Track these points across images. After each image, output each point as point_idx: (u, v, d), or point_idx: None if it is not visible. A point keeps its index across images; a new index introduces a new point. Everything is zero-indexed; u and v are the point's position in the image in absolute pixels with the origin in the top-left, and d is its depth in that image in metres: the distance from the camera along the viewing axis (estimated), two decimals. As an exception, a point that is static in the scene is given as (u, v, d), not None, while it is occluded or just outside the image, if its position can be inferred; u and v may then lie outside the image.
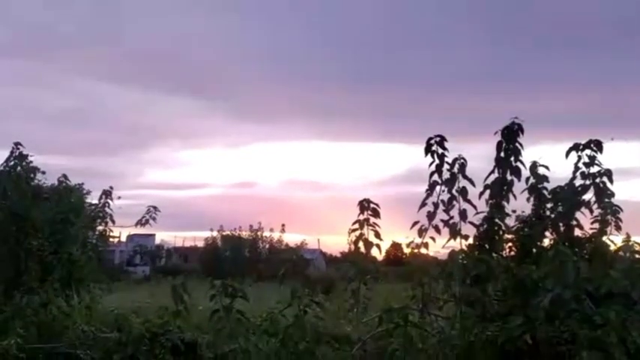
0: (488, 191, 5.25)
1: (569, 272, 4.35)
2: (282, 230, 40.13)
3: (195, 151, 71.07)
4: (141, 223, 8.87)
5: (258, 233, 41.01)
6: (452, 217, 5.27)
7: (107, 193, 8.78)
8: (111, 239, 9.30)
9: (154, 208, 8.88)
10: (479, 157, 6.05)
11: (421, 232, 5.37)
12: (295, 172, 78.71)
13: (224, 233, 41.27)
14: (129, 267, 41.80)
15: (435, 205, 5.32)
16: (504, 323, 4.74)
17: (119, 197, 8.86)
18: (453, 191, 5.26)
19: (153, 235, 48.55)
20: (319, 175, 78.99)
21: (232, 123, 63.61)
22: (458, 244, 5.20)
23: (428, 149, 5.37)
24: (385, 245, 5.58)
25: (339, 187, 62.55)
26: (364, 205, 5.51)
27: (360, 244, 5.51)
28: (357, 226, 5.52)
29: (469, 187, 5.26)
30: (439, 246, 5.43)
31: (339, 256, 38.74)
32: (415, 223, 5.37)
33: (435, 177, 5.33)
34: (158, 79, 59.08)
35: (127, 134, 62.76)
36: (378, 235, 5.50)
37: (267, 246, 40.86)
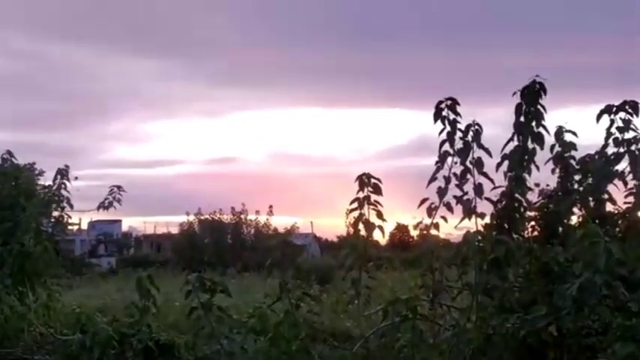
0: (506, 162, 5.29)
1: (600, 254, 4.40)
2: (270, 213, 40.30)
3: (166, 121, 70.88)
4: (103, 206, 8.86)
5: (242, 217, 41.11)
6: (466, 193, 5.32)
7: (63, 173, 8.75)
8: (69, 227, 9.31)
9: (118, 187, 8.87)
10: (495, 122, 6.07)
11: (431, 211, 5.42)
12: (283, 145, 79.03)
13: (202, 217, 41.31)
14: (92, 258, 41.93)
15: (447, 180, 5.37)
16: (527, 314, 4.82)
17: (76, 178, 8.85)
18: (467, 163, 5.30)
19: (119, 222, 48.77)
20: (312, 147, 79.08)
21: (209, 88, 63.15)
22: (473, 223, 5.26)
23: (437, 115, 5.39)
24: (389, 227, 5.65)
25: (335, 160, 62.88)
26: (364, 180, 5.54)
27: (360, 226, 5.56)
28: (356, 205, 5.56)
29: (485, 157, 5.30)
30: (451, 227, 5.50)
31: (335, 240, 39.08)
32: (424, 200, 5.42)
33: (446, 147, 5.37)
34: (120, 37, 58.50)
35: (84, 103, 62.40)
36: (380, 216, 5.55)
37: (253, 231, 40.97)
